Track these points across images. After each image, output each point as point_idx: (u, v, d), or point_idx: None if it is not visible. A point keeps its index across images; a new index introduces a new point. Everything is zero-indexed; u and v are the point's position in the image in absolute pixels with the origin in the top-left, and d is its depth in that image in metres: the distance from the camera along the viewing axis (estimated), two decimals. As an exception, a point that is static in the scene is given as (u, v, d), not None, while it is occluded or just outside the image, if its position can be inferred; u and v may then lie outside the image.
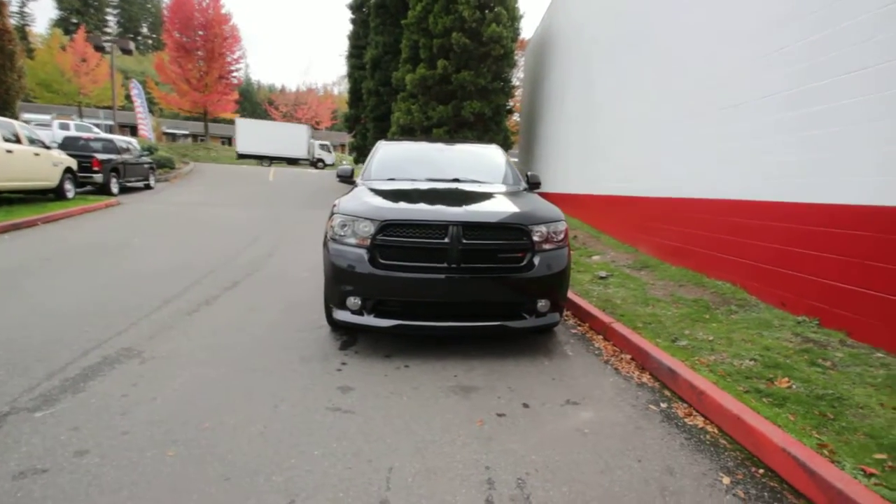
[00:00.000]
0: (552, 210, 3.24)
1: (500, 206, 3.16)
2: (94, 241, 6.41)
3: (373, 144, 18.47)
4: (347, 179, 4.20)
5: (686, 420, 2.32)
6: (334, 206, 3.23)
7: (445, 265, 2.83)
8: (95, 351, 2.84)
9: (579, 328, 3.74)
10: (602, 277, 5.21)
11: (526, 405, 2.41)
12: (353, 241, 2.92)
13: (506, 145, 14.35)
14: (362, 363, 2.86)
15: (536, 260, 2.96)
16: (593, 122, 9.33)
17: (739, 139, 4.61)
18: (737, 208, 4.57)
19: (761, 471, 1.91)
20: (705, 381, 2.48)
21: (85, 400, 2.26)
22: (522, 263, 2.94)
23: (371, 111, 17.31)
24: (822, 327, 3.44)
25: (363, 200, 3.16)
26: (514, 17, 13.58)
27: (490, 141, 13.88)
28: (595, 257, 6.51)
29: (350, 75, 20.24)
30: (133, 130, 32.96)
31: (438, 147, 4.74)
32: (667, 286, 4.83)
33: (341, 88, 61.54)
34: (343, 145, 51.66)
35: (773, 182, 4.12)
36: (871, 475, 1.73)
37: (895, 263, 2.98)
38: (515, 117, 19.23)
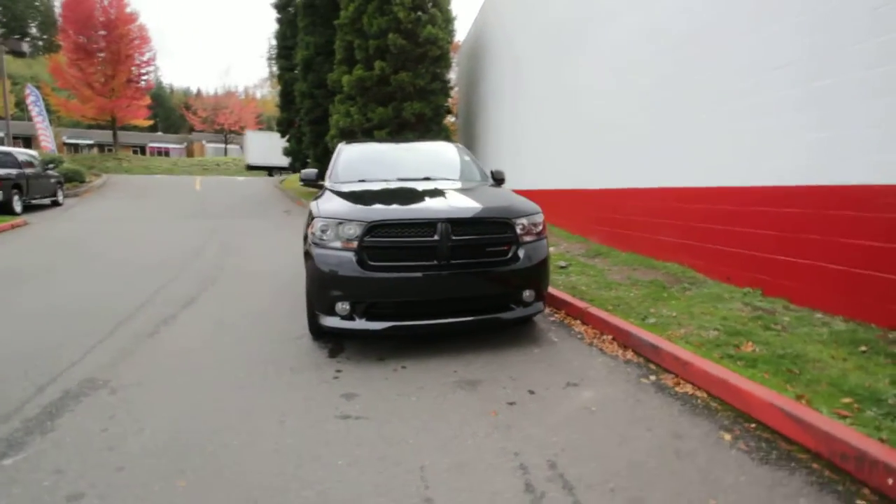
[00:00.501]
0: (529, 203, 3.35)
1: (480, 202, 3.21)
2: (4, 267, 5.67)
3: (309, 148, 17.87)
4: (312, 183, 4.07)
5: (676, 389, 2.51)
6: (312, 209, 3.12)
7: (435, 262, 2.84)
8: (52, 386, 2.53)
9: (556, 315, 3.89)
10: (562, 267, 5.45)
11: (531, 392, 2.48)
12: (337, 244, 2.84)
13: None
14: (357, 369, 2.79)
15: (521, 252, 3.05)
16: (532, 120, 9.68)
17: (680, 134, 5.04)
18: (679, 195, 4.98)
19: (753, 425, 2.12)
20: (687, 352, 2.70)
21: (59, 439, 2.00)
22: (508, 256, 3.02)
23: (306, 114, 16.75)
24: (766, 296, 3.86)
25: (343, 202, 3.08)
26: (448, 19, 13.74)
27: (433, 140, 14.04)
28: (550, 248, 6.79)
29: (280, 77, 19.42)
30: (28, 142, 29.36)
31: (402, 147, 4.72)
32: (622, 271, 5.16)
33: (264, 91, 58.90)
34: (272, 151, 49.43)
35: (712, 170, 4.55)
36: (845, 417, 1.99)
37: (824, 235, 3.42)
38: (451, 118, 19.52)
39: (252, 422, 2.18)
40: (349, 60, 14.09)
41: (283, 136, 20.25)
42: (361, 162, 4.20)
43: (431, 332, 3.08)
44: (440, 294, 2.89)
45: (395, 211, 2.91)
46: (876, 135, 3.09)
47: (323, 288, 2.85)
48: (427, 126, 14.09)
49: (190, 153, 43.09)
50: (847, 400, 2.15)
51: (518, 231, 3.04)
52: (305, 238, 3.07)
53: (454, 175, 4.15)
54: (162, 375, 2.71)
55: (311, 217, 3.01)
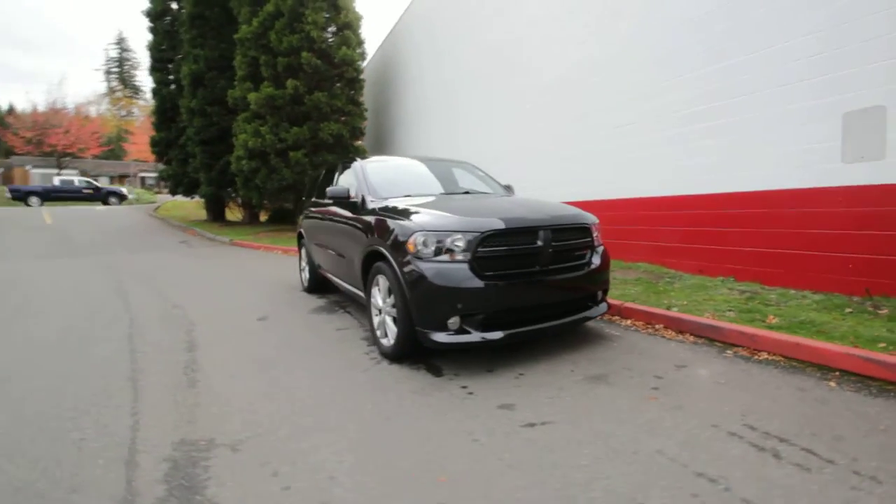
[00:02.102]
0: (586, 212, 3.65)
1: (556, 210, 3.34)
2: None
3: (201, 171, 15.96)
4: (343, 200, 3.83)
5: (758, 357, 2.97)
6: (400, 225, 2.97)
7: (538, 268, 2.94)
8: (142, 457, 2.00)
9: (590, 314, 4.22)
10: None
11: (658, 376, 2.71)
12: (446, 257, 2.77)
13: None
14: (481, 382, 2.71)
15: (595, 255, 3.31)
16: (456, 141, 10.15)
17: (635, 152, 5.87)
18: (645, 204, 5.78)
19: (837, 373, 2.63)
20: (749, 327, 3.21)
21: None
22: (588, 259, 3.25)
23: (196, 133, 15.04)
24: (740, 281, 4.70)
25: (439, 214, 3.00)
26: (359, 42, 13.75)
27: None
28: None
29: (156, 92, 17.12)
30: None
31: (419, 163, 4.66)
32: (602, 273, 5.75)
33: (101, 108, 51.06)
34: (124, 176, 42.88)
35: (673, 181, 5.40)
36: (901, 355, 2.61)
37: (784, 228, 4.34)
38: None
39: (461, 458, 2.02)
40: (254, 77, 13.20)
41: (159, 158, 17.77)
42: (395, 177, 4.08)
43: (538, 336, 3.13)
44: (545, 299, 2.99)
45: (504, 219, 2.94)
46: (821, 149, 4.06)
47: (437, 303, 2.73)
48: (345, 148, 13.79)
49: (8, 179, 35.08)
50: (882, 344, 2.81)
51: (594, 235, 3.30)
52: (398, 254, 2.91)
53: (487, 188, 4.28)
54: (261, 421, 2.32)
55: (408, 231, 2.87)
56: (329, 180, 5.10)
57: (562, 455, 1.92)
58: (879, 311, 3.44)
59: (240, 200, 17.50)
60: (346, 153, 13.90)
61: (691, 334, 3.46)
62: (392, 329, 3.07)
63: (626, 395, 2.48)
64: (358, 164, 4.25)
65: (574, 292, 3.16)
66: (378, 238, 3.17)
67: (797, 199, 4.18)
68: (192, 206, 22.92)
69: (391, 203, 3.49)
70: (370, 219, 3.41)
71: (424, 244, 2.78)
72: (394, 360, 3.09)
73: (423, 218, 2.95)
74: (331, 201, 4.34)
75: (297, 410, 2.43)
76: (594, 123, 6.51)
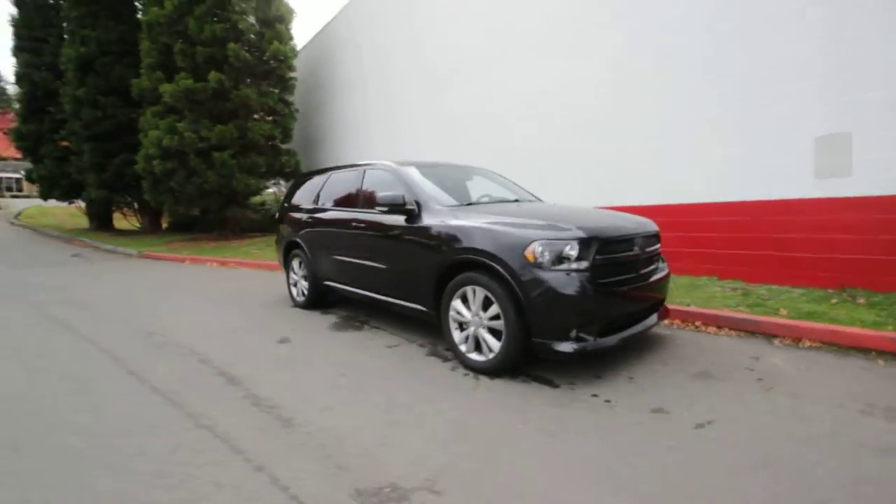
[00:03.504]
0: None
1: (635, 219, 3.40)
2: None
3: (89, 171, 13.59)
4: (400, 209, 3.56)
5: (801, 345, 3.41)
6: (511, 234, 2.85)
7: (634, 274, 3.04)
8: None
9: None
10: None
11: (749, 369, 2.96)
12: (565, 266, 2.73)
13: (297, 172, 13.47)
14: (608, 391, 2.72)
15: (663, 261, 3.53)
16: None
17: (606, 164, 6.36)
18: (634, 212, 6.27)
19: (873, 353, 3.14)
20: (784, 319, 3.67)
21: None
22: (663, 264, 3.46)
23: (86, 127, 12.74)
24: (724, 279, 5.34)
25: (544, 223, 2.93)
26: (290, 37, 12.88)
27: (283, 168, 12.78)
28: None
29: (22, 77, 14.08)
30: None
31: (446, 167, 4.49)
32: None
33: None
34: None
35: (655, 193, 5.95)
36: (917, 336, 3.21)
37: (763, 233, 5.04)
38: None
39: (682, 468, 2.00)
40: (166, 66, 11.66)
41: (26, 155, 14.62)
42: (445, 184, 3.89)
43: (632, 339, 3.19)
44: (640, 304, 3.10)
45: (613, 227, 2.97)
46: (796, 168, 4.80)
47: (562, 313, 2.67)
48: (277, 150, 12.78)
49: None
50: (889, 327, 3.42)
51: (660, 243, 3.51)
52: (464, 266, 2.82)
53: (528, 196, 4.30)
54: (423, 455, 2.07)
55: (524, 240, 2.76)
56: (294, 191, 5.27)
57: (768, 448, 2.02)
58: (858, 301, 4.17)
59: (136, 206, 15.18)
60: (278, 156, 12.90)
61: (730, 328, 3.86)
62: (492, 343, 2.93)
63: (744, 389, 2.68)
64: (396, 168, 3.98)
65: (657, 295, 3.33)
66: (472, 248, 3.00)
67: (774, 209, 4.90)
68: (63, 212, 19.27)
69: (465, 211, 3.35)
70: (448, 227, 3.22)
71: (544, 253, 2.72)
72: (494, 376, 2.95)
73: (534, 226, 2.88)
74: (341, 210, 4.09)
75: (443, 438, 2.19)
76: (563, 137, 6.91)
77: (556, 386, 2.79)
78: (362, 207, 4.22)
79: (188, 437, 2.30)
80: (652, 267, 3.25)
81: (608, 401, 2.57)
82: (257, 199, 15.10)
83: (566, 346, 2.69)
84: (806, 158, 4.68)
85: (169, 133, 11.00)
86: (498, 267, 2.83)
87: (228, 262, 9.34)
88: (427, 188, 3.71)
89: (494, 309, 2.89)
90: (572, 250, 2.74)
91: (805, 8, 4.59)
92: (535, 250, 2.72)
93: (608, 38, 6.31)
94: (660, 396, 2.60)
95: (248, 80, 12.14)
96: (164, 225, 17.04)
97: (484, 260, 2.91)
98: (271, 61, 12.22)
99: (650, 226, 3.33)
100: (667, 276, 3.42)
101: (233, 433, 2.32)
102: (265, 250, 10.46)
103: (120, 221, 15.59)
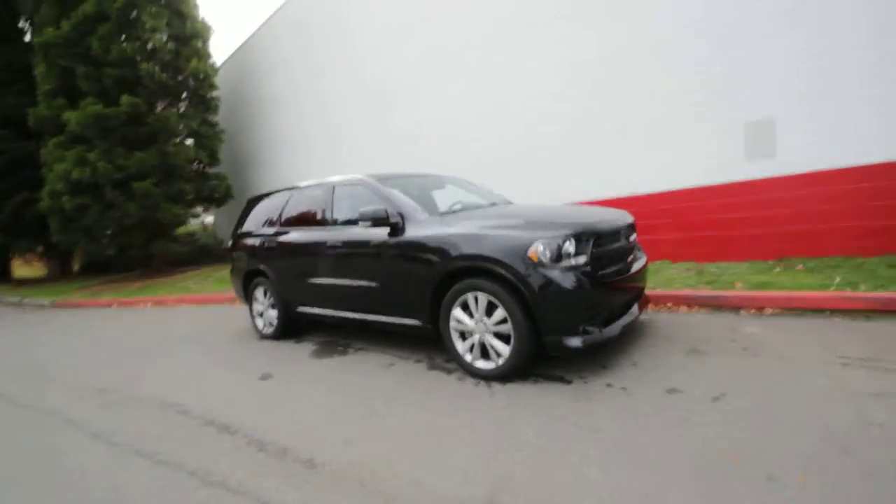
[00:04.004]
0: None
1: (613, 212, 3.54)
2: None
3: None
4: (383, 221, 3.45)
5: (765, 312, 3.74)
6: (508, 236, 2.86)
7: (623, 264, 3.18)
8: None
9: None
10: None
11: (732, 340, 3.19)
12: (567, 262, 2.78)
13: (228, 197, 12.73)
14: (619, 378, 2.79)
15: (640, 250, 3.72)
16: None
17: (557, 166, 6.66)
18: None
19: (827, 312, 3.52)
20: (745, 291, 4.00)
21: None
22: (639, 254, 3.63)
23: (-30, 165, 11.12)
24: (675, 262, 5.74)
25: (537, 221, 2.97)
26: (208, 55, 12.18)
27: (212, 193, 11.98)
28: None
29: None
30: None
31: (430, 176, 4.42)
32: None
33: None
34: None
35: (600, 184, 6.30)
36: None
37: (707, 215, 5.49)
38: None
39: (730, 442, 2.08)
40: (68, 91, 10.53)
41: None
42: (418, 194, 3.81)
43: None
44: (631, 293, 3.24)
45: (603, 222, 3.06)
46: (729, 152, 5.29)
47: (572, 308, 2.72)
48: (205, 176, 11.96)
49: None
50: (832, 288, 3.86)
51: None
52: (463, 273, 2.81)
53: (501, 199, 4.34)
54: (537, 482, 2.01)
55: (524, 241, 2.76)
56: (247, 214, 5.20)
57: (783, 408, 2.17)
58: (797, 268, 4.66)
59: (42, 250, 13.45)
60: (206, 181, 12.08)
61: (699, 305, 4.15)
62: (501, 348, 2.91)
63: (736, 359, 2.87)
64: (371, 182, 3.86)
65: (641, 284, 3.49)
66: (471, 254, 2.97)
67: (716, 193, 5.37)
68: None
69: (453, 219, 3.31)
70: (441, 236, 3.16)
71: (545, 252, 2.75)
72: (505, 381, 2.93)
73: (529, 227, 2.91)
74: (312, 230, 4.15)
75: (487, 451, 2.13)
76: (509, 141, 7.14)
77: (568, 382, 2.83)
78: (337, 225, 4.05)
79: (200, 499, 2.04)
80: (634, 256, 3.41)
81: (624, 388, 2.65)
82: (184, 229, 14.01)
83: (576, 341, 2.74)
84: (739, 146, 5.19)
85: (78, 165, 9.91)
86: (501, 270, 2.82)
87: (166, 300, 8.55)
88: (408, 199, 3.63)
89: (500, 313, 2.88)
90: (571, 246, 2.80)
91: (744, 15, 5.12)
92: (538, 250, 2.75)
93: (556, 50, 6.61)
94: (667, 377, 2.73)
95: (166, 102, 11.27)
96: (75, 268, 15.25)
97: (485, 265, 2.89)
98: (190, 80, 11.45)
99: (628, 216, 3.50)
100: (646, 265, 3.61)
101: (251, 485, 2.09)
102: (205, 284, 9.71)
103: (20, 269, 13.72)
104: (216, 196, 12.44)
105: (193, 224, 15.59)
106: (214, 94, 12.09)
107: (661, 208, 5.85)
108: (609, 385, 2.71)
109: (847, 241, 4.66)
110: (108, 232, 10.48)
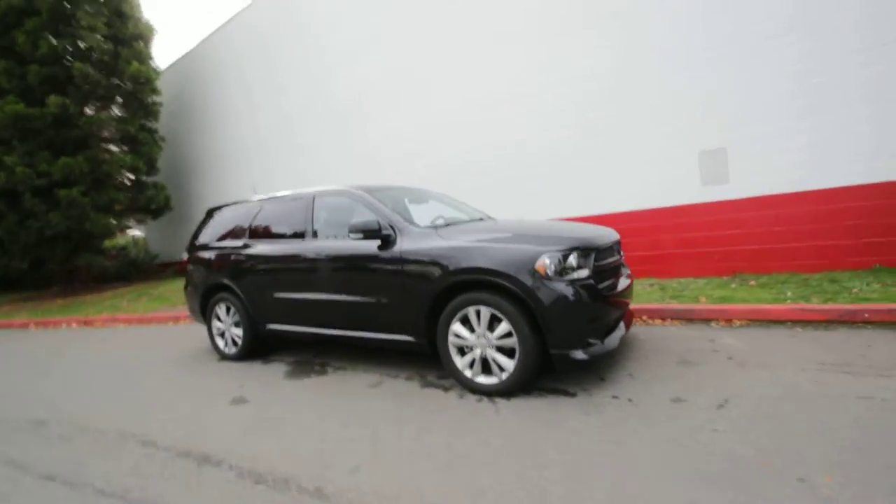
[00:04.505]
0: None
1: (601, 228, 3.63)
2: None
3: None
4: (375, 234, 3.31)
5: (735, 324, 3.98)
6: (515, 249, 2.83)
7: (615, 280, 3.25)
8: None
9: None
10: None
11: (715, 350, 3.35)
12: (572, 276, 2.80)
13: (166, 208, 11.88)
14: (620, 389, 2.82)
15: (625, 267, 3.84)
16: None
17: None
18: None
19: (788, 323, 3.81)
20: (711, 305, 4.24)
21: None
22: (625, 270, 3.74)
23: None
24: (637, 278, 6.01)
25: (537, 235, 2.97)
26: (150, 57, 11.42)
27: (148, 203, 11.11)
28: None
29: None
30: None
31: (413, 190, 4.31)
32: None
33: None
34: None
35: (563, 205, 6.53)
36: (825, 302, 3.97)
37: (666, 235, 5.83)
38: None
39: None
40: (-19, 87, 9.37)
41: None
42: (404, 207, 3.71)
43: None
44: (625, 307, 3.31)
45: (596, 238, 3.10)
46: (688, 178, 5.68)
47: (579, 321, 2.72)
48: (141, 186, 11.06)
49: None
50: (788, 301, 4.20)
51: (620, 249, 3.82)
52: (465, 286, 2.80)
53: (483, 215, 4.33)
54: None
55: (532, 254, 2.74)
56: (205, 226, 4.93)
57: (785, 412, 2.28)
58: (750, 283, 5.04)
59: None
60: (143, 191, 11.16)
61: (672, 318, 4.34)
62: (505, 362, 2.85)
63: (725, 368, 3.00)
64: (357, 193, 3.71)
65: (629, 300, 3.58)
66: (474, 267, 2.90)
67: (673, 214, 5.73)
68: None
69: (450, 232, 3.25)
70: (439, 249, 3.08)
71: (552, 266, 2.76)
72: (509, 396, 2.87)
73: (533, 241, 2.90)
74: (288, 243, 3.97)
75: (512, 470, 2.04)
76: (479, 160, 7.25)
77: (572, 395, 2.82)
78: (317, 238, 3.84)
79: (197, 543, 1.77)
80: (622, 272, 3.52)
81: (630, 399, 2.67)
82: (111, 242, 12.78)
83: (582, 354, 2.74)
84: (695, 171, 5.59)
85: (-9, 169, 8.77)
86: (507, 284, 2.78)
87: (94, 320, 7.67)
88: (408, 210, 3.53)
89: (504, 327, 2.83)
90: (575, 260, 2.83)
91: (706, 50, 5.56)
92: (545, 263, 2.75)
93: (537, 67, 6.83)
94: (667, 387, 2.79)
95: (99, 105, 10.36)
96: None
97: (490, 278, 2.84)
98: (128, 83, 10.62)
99: (615, 233, 3.61)
100: (633, 282, 3.72)
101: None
102: (139, 302, 8.86)
103: None
104: (153, 207, 11.51)
105: (123, 237, 14.25)
106: (156, 98, 11.29)
107: (627, 227, 6.13)
108: (615, 397, 2.72)
109: (790, 259, 5.12)
110: (24, 244, 9.29)
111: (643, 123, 5.93)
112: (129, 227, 12.47)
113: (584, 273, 2.84)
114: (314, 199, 3.97)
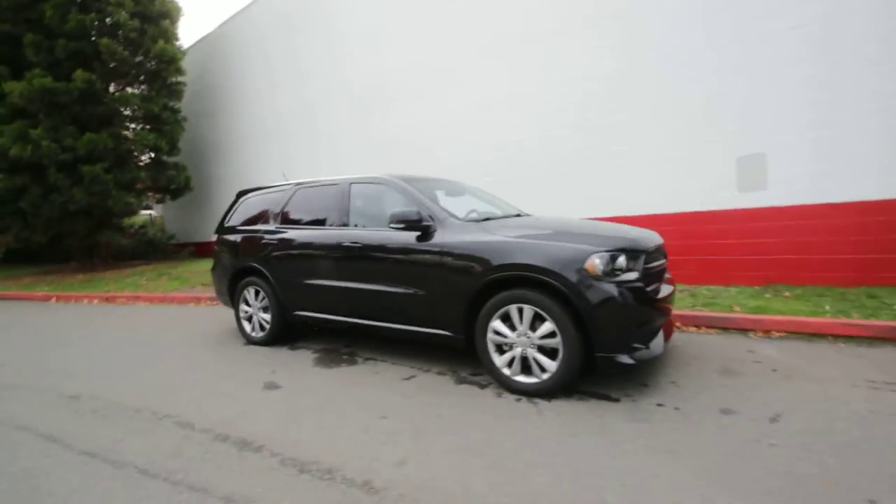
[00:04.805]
0: None
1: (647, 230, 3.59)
2: None
3: None
4: (415, 225, 3.26)
5: (774, 335, 3.89)
6: (566, 247, 2.76)
7: (660, 284, 3.17)
8: None
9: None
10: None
11: (757, 361, 3.28)
12: (625, 277, 2.74)
13: (186, 189, 11.92)
14: (665, 397, 2.76)
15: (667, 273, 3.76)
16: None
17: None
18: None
19: (829, 337, 3.71)
20: (749, 314, 4.15)
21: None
22: (668, 276, 3.66)
23: None
24: (667, 283, 5.91)
25: (583, 234, 2.91)
26: (176, 37, 11.39)
27: (168, 184, 11.13)
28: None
29: None
30: None
31: (447, 182, 4.25)
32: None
33: None
34: None
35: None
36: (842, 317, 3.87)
37: (699, 240, 5.72)
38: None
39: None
40: (11, 59, 9.43)
41: None
42: (451, 198, 3.66)
43: None
44: (668, 312, 3.23)
45: (644, 240, 3.03)
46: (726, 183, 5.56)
47: (628, 324, 2.66)
48: (162, 165, 11.09)
49: None
50: (828, 315, 4.09)
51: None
52: (508, 283, 2.71)
53: (521, 212, 4.26)
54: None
55: (582, 253, 2.69)
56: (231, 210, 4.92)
57: (842, 429, 2.20)
58: (784, 294, 4.93)
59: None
60: (164, 171, 11.19)
61: (706, 326, 4.26)
62: (546, 363, 2.79)
63: (771, 380, 2.93)
64: (396, 182, 3.66)
65: (672, 306, 3.50)
66: (520, 263, 2.84)
67: (708, 219, 5.61)
68: None
69: (495, 227, 3.18)
70: (483, 244, 3.02)
71: (602, 266, 2.69)
72: (550, 397, 2.82)
73: (582, 239, 2.84)
74: (324, 230, 3.91)
75: (568, 475, 1.99)
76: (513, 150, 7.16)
77: (615, 400, 2.76)
78: (353, 226, 3.80)
79: (249, 531, 1.75)
80: (667, 276, 3.44)
81: (677, 408, 2.61)
82: (129, 221, 12.87)
83: (628, 358, 2.68)
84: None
85: (18, 141, 8.84)
86: (555, 282, 2.72)
87: (116, 297, 7.73)
88: (440, 202, 3.47)
89: (548, 326, 2.77)
90: (625, 262, 2.76)
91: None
92: (594, 263, 2.68)
93: (555, 66, 6.71)
94: (713, 397, 2.72)
95: (125, 83, 10.37)
96: (-3, 256, 13.57)
97: (537, 276, 2.78)
98: (153, 62, 10.62)
99: (659, 237, 3.53)
100: (675, 289, 3.64)
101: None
102: (159, 281, 8.91)
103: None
104: (173, 187, 11.54)
105: (141, 216, 14.34)
106: (180, 78, 11.28)
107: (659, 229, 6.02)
108: (660, 405, 2.66)
109: (827, 272, 5.00)
110: (47, 217, 9.36)
111: (673, 122, 5.80)
112: (150, 208, 12.51)
113: (633, 275, 2.77)
114: (351, 186, 3.93)
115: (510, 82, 7.04)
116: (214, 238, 5.06)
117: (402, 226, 3.26)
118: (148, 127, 10.51)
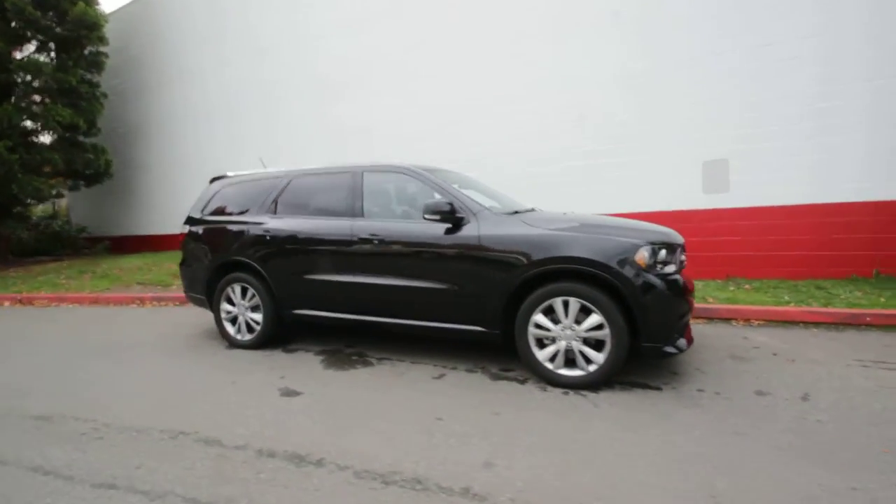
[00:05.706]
0: None
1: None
2: None
3: None
4: (449, 216, 3.13)
5: (752, 324, 4.27)
6: (613, 240, 2.79)
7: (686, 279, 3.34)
8: None
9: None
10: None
11: (756, 347, 3.57)
12: (667, 269, 2.84)
13: (105, 175, 10.60)
14: (699, 384, 2.90)
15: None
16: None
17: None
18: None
19: (801, 324, 4.17)
20: (732, 305, 4.52)
21: None
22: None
23: None
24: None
25: (634, 228, 2.98)
26: (96, 1, 9.99)
27: (85, 168, 9.79)
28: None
29: None
30: None
31: (463, 177, 4.09)
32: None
33: None
34: None
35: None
36: (817, 306, 4.37)
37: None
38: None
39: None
40: None
41: None
42: (466, 186, 3.55)
43: None
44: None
45: (672, 235, 3.14)
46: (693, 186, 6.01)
47: (675, 315, 2.77)
48: (78, 146, 9.68)
49: None
50: (791, 304, 4.59)
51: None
52: (553, 276, 2.78)
53: (528, 207, 4.25)
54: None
55: (632, 246, 2.73)
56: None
57: (866, 403, 2.47)
58: (745, 287, 5.45)
59: None
60: (81, 153, 9.77)
61: (693, 317, 4.57)
62: (593, 355, 2.82)
63: (778, 364, 3.20)
64: (419, 171, 3.48)
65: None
66: (568, 256, 2.83)
67: (675, 217, 6.03)
68: None
69: (534, 219, 3.13)
70: (526, 237, 2.96)
71: (648, 258, 2.77)
72: (595, 389, 2.85)
73: (624, 233, 2.89)
74: (335, 220, 3.65)
75: (663, 469, 2.02)
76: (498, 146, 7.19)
77: (658, 389, 2.85)
78: (368, 216, 3.56)
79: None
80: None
81: (717, 392, 2.76)
82: (38, 210, 11.09)
83: (672, 348, 2.79)
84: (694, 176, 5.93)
85: None
86: (605, 275, 2.74)
87: (33, 298, 6.62)
88: (471, 193, 3.37)
89: (595, 319, 2.79)
90: (665, 255, 2.87)
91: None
92: (644, 256, 2.75)
93: (526, 72, 6.81)
94: (741, 381, 2.92)
95: (34, 48, 8.88)
96: None
97: (586, 268, 2.79)
98: (70, 26, 9.20)
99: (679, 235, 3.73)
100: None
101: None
102: (82, 279, 7.79)
103: None
104: (89, 172, 10.10)
105: (44, 207, 12.37)
106: (101, 48, 9.90)
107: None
108: (700, 390, 2.80)
109: (778, 266, 5.61)
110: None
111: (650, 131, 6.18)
112: (61, 195, 10.86)
113: (672, 268, 2.89)
114: (363, 174, 3.67)
115: (498, 79, 7.04)
116: (183, 230, 4.49)
117: (437, 217, 3.11)
118: (63, 102, 9.06)
